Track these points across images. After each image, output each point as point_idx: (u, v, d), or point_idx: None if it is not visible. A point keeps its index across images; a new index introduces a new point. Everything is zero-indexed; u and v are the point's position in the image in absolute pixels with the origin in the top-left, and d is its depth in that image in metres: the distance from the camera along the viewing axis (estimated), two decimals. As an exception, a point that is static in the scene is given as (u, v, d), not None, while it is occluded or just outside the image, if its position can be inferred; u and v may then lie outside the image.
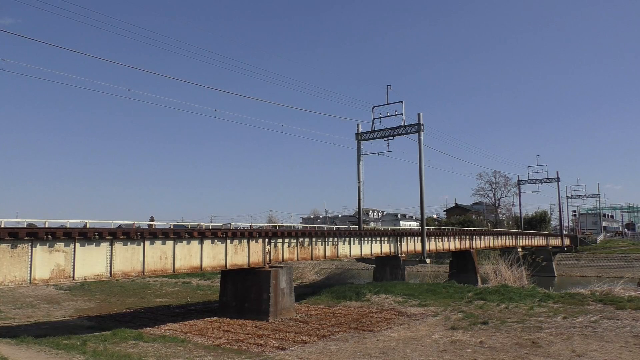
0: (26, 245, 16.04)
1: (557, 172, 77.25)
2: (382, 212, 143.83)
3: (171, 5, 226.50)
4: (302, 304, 27.88)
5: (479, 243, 49.35)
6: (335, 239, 30.76)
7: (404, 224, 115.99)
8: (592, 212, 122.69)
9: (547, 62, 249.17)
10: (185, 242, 21.44)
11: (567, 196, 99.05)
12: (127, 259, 19.08)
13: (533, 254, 64.29)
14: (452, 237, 44.20)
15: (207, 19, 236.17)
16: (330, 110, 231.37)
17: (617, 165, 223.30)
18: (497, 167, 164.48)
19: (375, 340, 17.70)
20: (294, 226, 39.31)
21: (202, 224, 24.26)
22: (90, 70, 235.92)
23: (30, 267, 16.07)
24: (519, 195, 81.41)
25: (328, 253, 30.04)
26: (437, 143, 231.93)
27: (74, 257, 17.29)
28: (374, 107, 41.71)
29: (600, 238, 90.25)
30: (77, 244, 17.41)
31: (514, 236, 59.76)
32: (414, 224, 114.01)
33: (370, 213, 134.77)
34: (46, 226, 16.63)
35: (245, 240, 24.23)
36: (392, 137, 40.51)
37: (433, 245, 40.94)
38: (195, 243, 21.90)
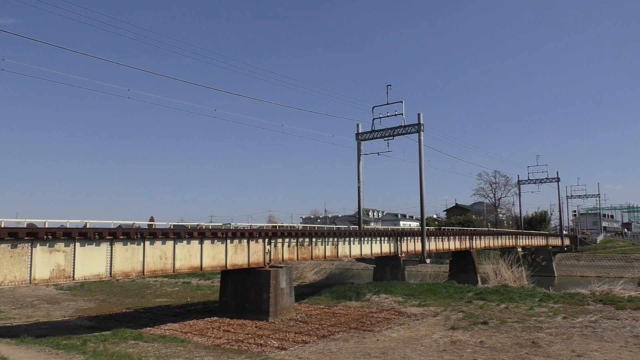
0: (26, 245, 16.03)
1: (557, 172, 77.30)
2: (382, 212, 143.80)
3: (171, 5, 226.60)
4: (302, 304, 27.87)
5: (479, 243, 49.34)
6: (335, 239, 30.76)
7: (404, 224, 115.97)
8: (592, 212, 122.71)
9: (547, 62, 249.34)
10: (185, 242, 21.44)
11: (567, 196, 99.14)
12: (127, 259, 19.08)
13: (533, 254, 64.28)
14: (452, 237, 44.20)
15: (207, 19, 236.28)
16: (330, 110, 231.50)
17: (617, 165, 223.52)
18: (497, 167, 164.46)
19: (375, 340, 17.70)
20: (294, 226, 39.30)
21: (202, 224, 24.25)
22: (90, 70, 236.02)
23: (30, 267, 16.07)
24: (519, 195, 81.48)
25: (328, 253, 30.04)
26: (437, 143, 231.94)
27: (74, 257, 17.29)
28: (374, 107, 41.75)
29: (600, 238, 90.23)
30: (77, 244, 17.41)
31: (514, 236, 59.75)
32: (414, 224, 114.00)
33: (370, 213, 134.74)
34: (46, 226, 16.62)
35: (245, 240, 24.23)
36: (392, 137, 40.51)
37: (433, 245, 40.93)
38: (195, 243, 21.90)
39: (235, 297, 24.92)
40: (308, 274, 44.64)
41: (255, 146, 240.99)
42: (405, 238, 37.91)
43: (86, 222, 17.98)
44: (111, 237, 18.48)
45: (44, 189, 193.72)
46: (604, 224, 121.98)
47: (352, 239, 32.52)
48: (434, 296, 27.41)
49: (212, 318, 24.04)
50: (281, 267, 24.95)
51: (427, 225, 40.64)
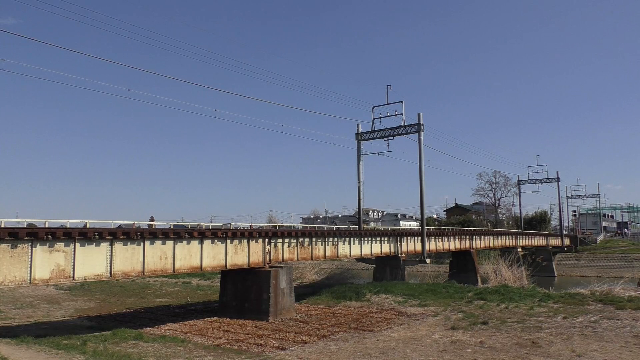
0: (26, 245, 16.03)
1: (557, 172, 77.32)
2: (382, 212, 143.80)
3: (171, 5, 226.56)
4: (302, 304, 27.87)
5: (479, 243, 49.34)
6: (335, 239, 30.75)
7: (404, 224, 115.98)
8: (592, 212, 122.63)
9: (547, 62, 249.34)
10: (185, 242, 21.43)
11: (567, 196, 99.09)
12: (127, 259, 19.08)
13: (533, 254, 64.30)
14: (452, 237, 44.19)
15: (207, 19, 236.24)
16: (330, 110, 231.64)
17: (617, 165, 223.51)
18: (497, 167, 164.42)
19: (375, 340, 17.70)
20: (294, 226, 39.29)
21: (202, 224, 24.26)
22: (90, 70, 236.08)
23: (30, 267, 16.07)
24: (519, 195, 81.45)
25: (328, 253, 30.03)
26: (437, 143, 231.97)
27: (74, 257, 17.29)
28: (374, 107, 41.74)
29: (600, 238, 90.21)
30: (77, 244, 17.41)
31: (514, 236, 59.75)
32: (414, 224, 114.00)
33: (370, 213, 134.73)
34: (46, 226, 16.62)
35: (245, 240, 24.23)
36: (392, 137, 40.50)
37: (433, 245, 40.93)
38: (195, 243, 21.89)
39: (235, 297, 24.92)
40: (308, 274, 44.64)
41: (255, 146, 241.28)
42: (405, 238, 37.90)
43: (86, 222, 17.98)
44: (111, 237, 18.48)
45: (44, 189, 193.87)
46: (604, 224, 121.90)
47: (352, 239, 32.52)
48: (434, 296, 27.41)
49: (212, 318, 24.04)
50: (281, 267, 24.95)
51: (427, 225, 40.64)
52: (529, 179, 79.27)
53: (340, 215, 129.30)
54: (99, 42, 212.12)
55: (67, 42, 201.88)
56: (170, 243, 20.78)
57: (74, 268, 17.25)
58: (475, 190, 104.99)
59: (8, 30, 22.48)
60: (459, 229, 49.86)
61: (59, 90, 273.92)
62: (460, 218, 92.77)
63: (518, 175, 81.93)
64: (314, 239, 28.88)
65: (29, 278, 16.04)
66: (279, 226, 36.58)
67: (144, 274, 19.90)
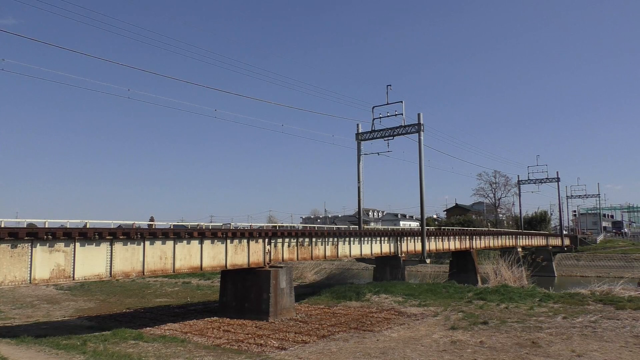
0: (26, 245, 16.03)
1: (557, 172, 77.40)
2: (382, 212, 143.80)
3: (171, 5, 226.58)
4: (302, 304, 27.87)
5: (479, 243, 49.34)
6: (335, 239, 30.76)
7: (404, 224, 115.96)
8: (592, 212, 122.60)
9: (547, 62, 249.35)
10: (185, 242, 21.44)
11: (567, 196, 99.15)
12: (127, 259, 19.08)
13: (533, 254, 64.31)
14: (452, 237, 44.20)
15: (207, 19, 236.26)
16: (330, 110, 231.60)
17: (617, 165, 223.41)
18: (497, 167, 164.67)
19: (375, 340, 17.70)
20: (294, 226, 39.29)
21: (202, 224, 24.26)
22: (90, 70, 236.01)
23: (30, 267, 16.07)
24: (519, 195, 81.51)
25: (328, 253, 30.04)
26: (437, 143, 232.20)
27: (74, 257, 17.29)
28: (374, 107, 41.76)
29: (600, 238, 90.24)
30: (77, 244, 17.41)
31: (514, 236, 59.75)
32: (414, 224, 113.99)
33: (370, 213, 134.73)
34: (46, 226, 16.62)
35: (245, 240, 24.23)
36: (392, 137, 40.51)
37: (433, 245, 40.93)
38: (195, 243, 21.90)
39: (235, 297, 24.92)
40: (308, 274, 44.64)
41: (255, 146, 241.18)
42: (405, 238, 37.91)
43: (86, 222, 17.98)
44: (111, 237, 18.48)
45: (44, 189, 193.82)
46: (604, 224, 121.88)
47: (352, 239, 32.52)
48: (434, 296, 27.42)
49: (212, 318, 24.04)
50: (281, 267, 24.95)
51: (427, 225, 40.64)
52: (529, 179, 79.34)
53: (340, 215, 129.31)
54: (99, 42, 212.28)
55: (67, 42, 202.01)
56: (170, 243, 20.78)
57: (74, 268, 17.25)
58: (475, 190, 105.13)
59: (8, 31, 22.48)
60: (459, 229, 49.85)
61: (59, 90, 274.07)
62: (460, 218, 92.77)
63: (518, 175, 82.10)
64: (314, 239, 28.88)
65: (29, 278, 16.04)
66: (279, 226, 36.60)
67: (144, 274, 19.90)
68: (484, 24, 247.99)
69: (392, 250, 36.25)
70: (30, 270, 16.07)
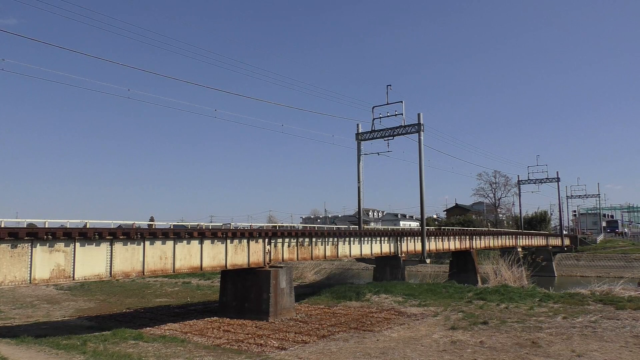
0: (26, 245, 16.03)
1: (557, 172, 77.32)
2: (382, 212, 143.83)
3: (171, 5, 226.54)
4: (302, 304, 27.87)
5: (479, 243, 49.34)
6: (335, 239, 30.75)
7: (404, 224, 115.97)
8: (592, 212, 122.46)
9: (547, 62, 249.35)
10: (185, 242, 21.43)
11: (567, 196, 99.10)
12: (127, 259, 19.08)
13: (533, 254, 64.27)
14: (452, 237, 44.19)
15: (207, 19, 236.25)
16: (330, 110, 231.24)
17: (617, 165, 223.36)
18: (497, 167, 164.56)
19: (375, 340, 17.70)
20: (294, 226, 39.29)
21: (202, 224, 24.25)
22: (90, 70, 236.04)
23: (30, 267, 16.07)
24: (519, 195, 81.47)
25: (328, 253, 30.03)
26: (437, 143, 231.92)
27: (74, 257, 17.29)
28: (374, 107, 41.73)
29: (600, 238, 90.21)
30: (77, 244, 17.41)
31: (514, 236, 59.75)
32: (414, 224, 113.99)
33: (370, 213, 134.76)
34: (46, 226, 16.62)
35: (245, 240, 24.23)
36: (392, 137, 40.49)
37: (433, 245, 40.93)
38: (195, 243, 21.89)
39: (235, 297, 24.91)
40: (308, 274, 44.64)
41: (255, 146, 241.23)
42: (405, 238, 37.90)
43: (86, 222, 17.98)
44: (111, 237, 18.47)
45: (44, 189, 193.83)
46: (604, 224, 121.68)
47: (352, 239, 32.52)
48: (434, 296, 27.41)
49: (212, 318, 24.03)
50: (281, 267, 24.95)
51: (427, 225, 40.62)
52: (529, 179, 79.31)
53: (340, 215, 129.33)
54: (99, 42, 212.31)
55: (67, 42, 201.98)
56: (170, 243, 20.78)
57: (74, 268, 17.25)
58: (475, 190, 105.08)
59: (8, 31, 22.48)
60: (459, 229, 49.84)
61: (59, 90, 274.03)
62: (460, 218, 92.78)
63: (518, 175, 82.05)
64: (314, 239, 28.88)
65: (29, 278, 16.04)
66: (279, 226, 36.58)
67: (144, 274, 19.90)
68: (484, 24, 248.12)
69: (392, 250, 36.24)
70: (30, 270, 16.07)
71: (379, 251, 35.01)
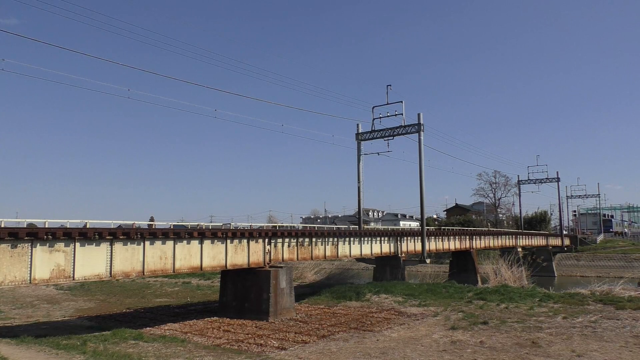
0: (26, 245, 16.03)
1: (557, 172, 77.34)
2: (382, 212, 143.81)
3: (171, 5, 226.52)
4: (302, 304, 27.87)
5: (479, 243, 49.34)
6: (335, 239, 30.75)
7: (404, 224, 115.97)
8: (592, 212, 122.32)
9: (547, 62, 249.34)
10: (185, 242, 21.43)
11: (567, 196, 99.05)
12: (127, 259, 19.07)
13: (533, 254, 64.30)
14: (452, 237, 44.19)
15: (207, 19, 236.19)
16: (330, 110, 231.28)
17: (617, 165, 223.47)
18: (497, 167, 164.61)
19: (375, 340, 17.70)
20: (294, 226, 39.29)
21: (202, 224, 24.25)
22: (90, 70, 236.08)
23: (30, 267, 16.07)
24: (519, 195, 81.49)
25: (328, 253, 30.03)
26: (437, 143, 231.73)
27: (74, 257, 17.29)
28: (374, 107, 41.75)
29: (600, 238, 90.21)
30: (77, 244, 17.40)
31: (514, 236, 59.74)
32: (414, 224, 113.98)
33: (370, 213, 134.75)
34: (46, 226, 16.61)
35: (245, 240, 24.23)
36: (392, 137, 40.50)
37: (433, 245, 40.93)
38: (195, 243, 21.89)
39: (235, 297, 24.91)
40: (308, 274, 44.64)
41: (255, 146, 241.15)
42: (405, 238, 37.90)
43: (86, 222, 17.98)
44: (111, 237, 18.47)
45: (44, 189, 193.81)
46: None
47: (352, 239, 32.52)
48: (434, 296, 27.41)
49: (212, 318, 24.03)
50: (281, 267, 24.95)
51: (427, 225, 40.63)
52: (529, 179, 79.31)
53: (340, 215, 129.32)
54: (99, 42, 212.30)
55: (67, 42, 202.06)
56: (170, 243, 20.78)
57: (74, 268, 17.25)
58: (475, 190, 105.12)
59: (8, 31, 22.48)
60: (459, 229, 49.84)
61: (59, 90, 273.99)
62: (460, 218, 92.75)
63: (518, 175, 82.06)
64: (314, 239, 28.88)
65: (29, 278, 16.04)
66: (279, 226, 36.58)
67: (144, 274, 19.89)
68: (484, 24, 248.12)
69: (392, 250, 36.25)
70: (30, 270, 16.07)
71: (379, 251, 35.01)
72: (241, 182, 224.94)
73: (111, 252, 18.51)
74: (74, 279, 17.40)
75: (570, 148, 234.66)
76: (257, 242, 24.87)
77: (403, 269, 35.96)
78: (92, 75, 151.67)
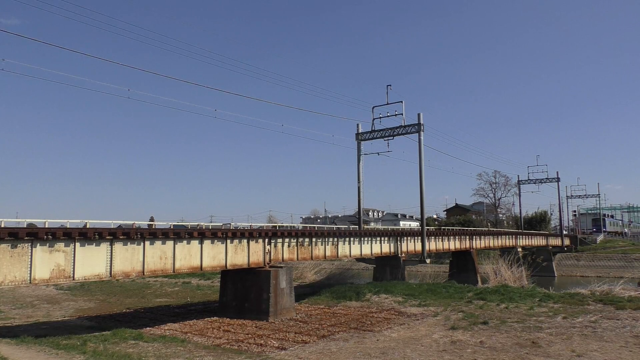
0: (26, 245, 16.03)
1: (557, 172, 77.26)
2: (382, 212, 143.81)
3: (171, 5, 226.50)
4: (302, 304, 27.87)
5: (479, 243, 49.34)
6: (335, 239, 30.75)
7: (404, 224, 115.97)
8: (592, 212, 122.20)
9: (547, 62, 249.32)
10: (185, 242, 21.43)
11: (567, 196, 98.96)
12: (127, 259, 19.07)
13: (533, 254, 64.29)
14: (452, 237, 44.19)
15: (207, 19, 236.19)
16: (330, 110, 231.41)
17: (617, 165, 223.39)
18: (497, 167, 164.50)
19: (375, 340, 17.70)
20: (294, 226, 39.29)
21: (202, 224, 24.25)
22: (90, 70, 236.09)
23: (30, 267, 16.07)
24: (519, 195, 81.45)
25: (328, 253, 30.03)
26: (437, 143, 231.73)
27: (74, 257, 17.29)
28: (374, 107, 41.73)
29: (600, 238, 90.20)
30: (77, 244, 17.40)
31: (514, 236, 59.74)
32: (414, 224, 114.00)
33: (370, 213, 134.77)
34: (46, 226, 16.61)
35: (245, 240, 24.23)
36: (392, 137, 40.50)
37: (433, 245, 40.93)
38: (195, 243, 21.89)
39: (235, 297, 24.92)
40: (308, 274, 44.63)
41: (255, 146, 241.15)
42: (405, 238, 37.90)
43: (86, 222, 17.97)
44: (111, 237, 18.47)
45: (44, 189, 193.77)
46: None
47: (352, 239, 32.52)
48: (434, 296, 27.41)
49: (212, 318, 24.04)
50: (281, 267, 24.95)
51: (427, 225, 40.62)
52: (529, 179, 79.28)
53: (340, 215, 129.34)
54: (99, 42, 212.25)
55: (67, 42, 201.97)
56: (170, 243, 20.78)
57: (74, 268, 17.25)
58: (475, 190, 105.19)
59: (8, 31, 22.48)
60: (459, 229, 49.84)
61: (59, 90, 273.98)
62: (460, 218, 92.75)
63: (518, 175, 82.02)
64: (314, 239, 28.88)
65: (29, 278, 16.04)
66: (279, 226, 36.59)
67: (144, 274, 19.89)
68: (484, 24, 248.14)
69: (392, 250, 36.25)
70: (30, 270, 16.07)
71: (379, 251, 35.01)
72: (241, 182, 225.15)
73: (111, 252, 18.51)
74: (74, 279, 17.39)
75: (570, 148, 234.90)
76: (257, 242, 24.87)
77: (403, 269, 35.97)
78: (92, 75, 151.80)
